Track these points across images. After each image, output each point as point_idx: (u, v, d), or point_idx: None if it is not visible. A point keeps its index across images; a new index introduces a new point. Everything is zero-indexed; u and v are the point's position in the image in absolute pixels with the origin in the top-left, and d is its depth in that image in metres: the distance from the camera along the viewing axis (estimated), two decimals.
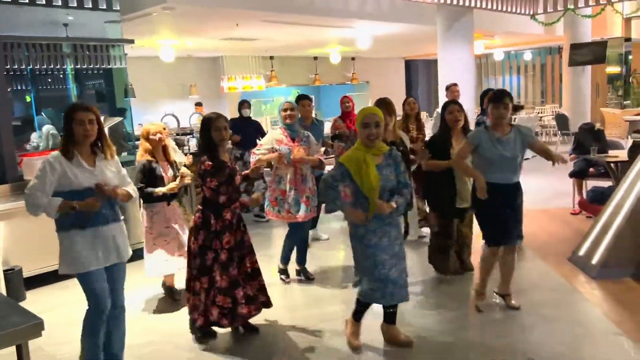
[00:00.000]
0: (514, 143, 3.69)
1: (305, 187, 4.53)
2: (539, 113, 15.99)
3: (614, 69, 15.73)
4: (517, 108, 5.15)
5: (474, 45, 10.02)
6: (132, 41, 6.75)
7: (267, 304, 3.84)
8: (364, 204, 3.25)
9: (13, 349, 2.17)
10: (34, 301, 4.69)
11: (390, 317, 3.53)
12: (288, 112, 4.48)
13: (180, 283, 4.43)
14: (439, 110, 7.21)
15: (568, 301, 4.15)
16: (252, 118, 7.43)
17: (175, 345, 3.76)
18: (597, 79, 15.09)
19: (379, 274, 3.28)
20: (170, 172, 4.32)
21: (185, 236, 4.30)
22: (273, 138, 4.53)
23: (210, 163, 3.54)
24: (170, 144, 4.70)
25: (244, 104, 7.30)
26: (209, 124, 3.60)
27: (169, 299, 4.57)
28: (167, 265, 4.39)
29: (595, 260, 4.56)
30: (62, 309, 4.41)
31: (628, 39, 15.28)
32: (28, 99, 9.52)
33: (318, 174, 4.92)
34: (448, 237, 4.53)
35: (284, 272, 4.82)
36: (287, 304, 4.36)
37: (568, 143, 12.57)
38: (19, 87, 8.95)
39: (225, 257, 3.60)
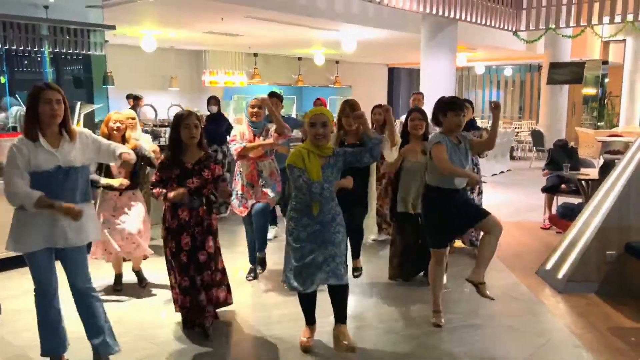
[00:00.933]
0: (465, 149, 3.72)
1: (260, 182, 4.55)
2: (515, 128, 16.24)
3: (590, 91, 16.06)
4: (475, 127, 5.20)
5: (456, 58, 10.13)
6: (113, 27, 6.66)
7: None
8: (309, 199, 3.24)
9: None
10: (1, 287, 4.59)
11: (336, 313, 3.40)
12: (255, 110, 4.50)
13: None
14: (402, 117, 7.28)
15: (532, 312, 4.19)
16: (222, 114, 7.38)
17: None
18: (574, 98, 15.41)
19: (298, 259, 3.26)
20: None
21: (134, 226, 4.27)
22: (238, 131, 4.56)
23: (163, 157, 3.59)
24: (139, 135, 4.60)
25: (211, 100, 7.19)
26: (179, 121, 3.52)
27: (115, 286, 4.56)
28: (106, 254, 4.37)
29: (561, 274, 4.62)
30: (24, 297, 4.28)
31: (605, 62, 15.65)
32: (2, 79, 9.30)
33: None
34: (403, 241, 4.63)
35: (251, 271, 4.81)
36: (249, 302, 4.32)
37: (542, 159, 12.80)
38: None
39: (186, 259, 3.55)
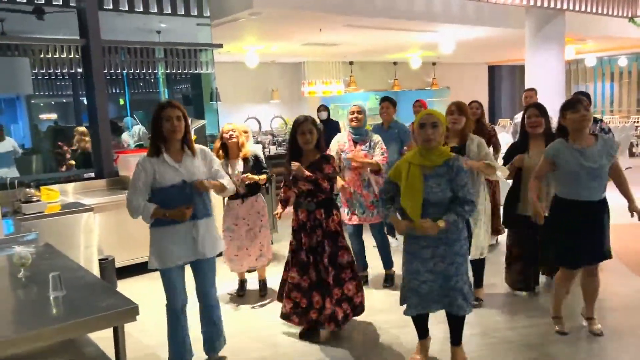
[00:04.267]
0: (598, 153, 3.33)
1: (368, 192, 4.48)
2: (635, 122, 14.96)
3: None
4: (596, 120, 4.63)
5: (564, 51, 9.54)
6: (220, 45, 7.02)
7: (342, 319, 3.69)
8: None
9: (107, 332, 2.28)
10: (124, 290, 4.94)
11: (452, 336, 3.29)
12: (355, 115, 4.46)
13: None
14: (517, 117, 6.91)
15: None
16: (332, 119, 7.63)
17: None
18: None
19: (410, 282, 3.12)
20: (239, 169, 4.41)
21: (259, 237, 4.50)
22: (337, 142, 4.56)
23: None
24: (251, 145, 4.80)
25: (320, 108, 7.55)
26: (296, 126, 3.66)
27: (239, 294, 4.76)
28: (229, 262, 4.59)
29: None
30: (150, 299, 4.61)
31: None
32: (122, 101, 10.15)
33: None
34: (521, 249, 4.29)
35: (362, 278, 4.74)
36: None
37: None
38: (116, 90, 9.57)
39: (305, 258, 3.68)
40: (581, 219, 3.38)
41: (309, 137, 3.61)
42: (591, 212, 3.39)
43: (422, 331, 3.36)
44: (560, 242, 3.49)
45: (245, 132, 4.67)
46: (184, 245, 3.11)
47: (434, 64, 16.18)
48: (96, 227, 5.06)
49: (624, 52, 16.48)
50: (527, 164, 4.03)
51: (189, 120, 3.16)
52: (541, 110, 4.09)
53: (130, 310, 2.33)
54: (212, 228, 3.26)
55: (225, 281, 4.88)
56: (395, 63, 15.50)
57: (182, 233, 3.10)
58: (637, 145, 13.59)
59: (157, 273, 3.17)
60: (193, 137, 3.30)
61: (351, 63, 14.71)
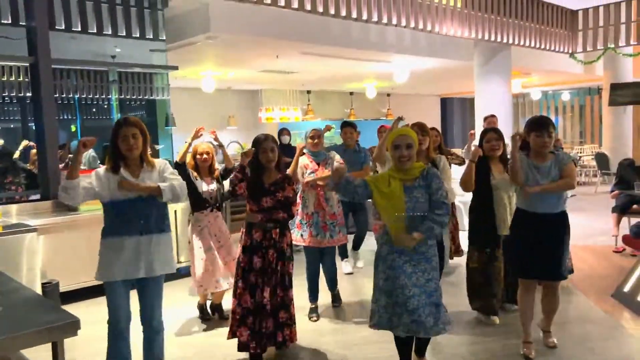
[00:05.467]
0: (548, 169, 3.50)
1: (327, 210, 4.50)
2: (578, 152, 15.68)
3: None
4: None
5: (511, 84, 9.98)
6: (175, 67, 6.99)
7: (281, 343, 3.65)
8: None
9: (47, 351, 2.17)
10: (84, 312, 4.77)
11: (418, 346, 3.32)
12: (315, 140, 4.57)
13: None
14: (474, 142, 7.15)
15: (614, 335, 3.97)
16: (291, 144, 7.64)
17: None
18: (639, 121, 14.73)
19: (396, 298, 3.01)
20: (212, 187, 4.44)
21: (232, 254, 4.42)
22: (301, 164, 4.59)
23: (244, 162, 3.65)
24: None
25: (282, 131, 7.57)
26: (257, 145, 3.64)
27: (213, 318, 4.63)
28: (201, 285, 4.42)
29: None
30: (93, 325, 4.42)
31: None
32: (73, 128, 9.91)
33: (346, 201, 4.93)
34: (487, 273, 4.28)
35: (312, 310, 4.61)
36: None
37: (608, 184, 12.26)
38: (67, 117, 9.33)
39: (254, 280, 3.60)
40: (540, 231, 3.50)
41: (271, 156, 3.61)
42: (549, 225, 3.52)
43: (404, 357, 3.28)
44: (515, 251, 3.62)
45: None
46: (132, 260, 3.01)
47: (388, 95, 16.59)
48: (40, 249, 4.86)
49: (566, 87, 17.38)
50: (494, 184, 4.15)
51: (148, 136, 3.10)
52: (499, 134, 4.28)
53: (70, 324, 2.23)
54: (167, 245, 3.15)
55: (182, 306, 4.76)
56: (351, 93, 15.81)
57: (132, 247, 3.01)
58: (580, 174, 14.20)
59: (104, 299, 3.04)
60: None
61: (309, 92, 14.90)
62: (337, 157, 4.62)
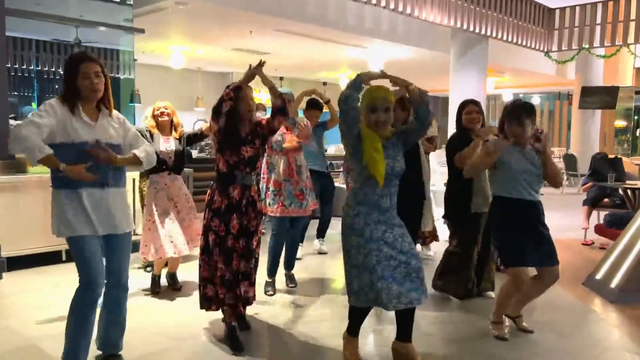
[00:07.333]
0: (532, 155, 3.35)
1: (300, 179, 4.26)
2: None
3: (621, 123, 15.59)
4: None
5: (486, 80, 9.92)
6: (142, 30, 6.60)
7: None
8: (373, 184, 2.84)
9: None
10: (11, 284, 4.39)
11: (404, 332, 3.01)
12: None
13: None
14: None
15: (585, 321, 3.85)
16: None
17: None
18: (605, 128, 14.96)
19: (383, 271, 2.73)
20: (170, 146, 4.15)
21: (191, 222, 4.19)
22: None
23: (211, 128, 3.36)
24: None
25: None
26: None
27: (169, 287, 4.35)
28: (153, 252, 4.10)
29: (613, 284, 4.26)
30: (37, 293, 4.09)
31: (638, 92, 15.17)
32: (34, 105, 9.37)
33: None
34: (467, 255, 4.11)
35: (270, 284, 4.34)
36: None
37: (574, 185, 12.39)
38: (26, 92, 8.79)
39: (231, 245, 3.21)
40: (530, 217, 3.34)
41: (251, 103, 3.30)
42: (537, 210, 3.38)
43: (357, 328, 3.05)
44: (507, 240, 3.36)
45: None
46: (99, 213, 2.66)
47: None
48: None
49: (537, 91, 17.59)
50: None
51: (108, 77, 2.74)
52: (479, 106, 4.14)
53: None
54: (125, 202, 2.85)
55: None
56: (325, 83, 15.57)
57: (96, 199, 2.66)
58: None
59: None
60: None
61: (281, 79, 14.60)
62: (297, 120, 4.37)
